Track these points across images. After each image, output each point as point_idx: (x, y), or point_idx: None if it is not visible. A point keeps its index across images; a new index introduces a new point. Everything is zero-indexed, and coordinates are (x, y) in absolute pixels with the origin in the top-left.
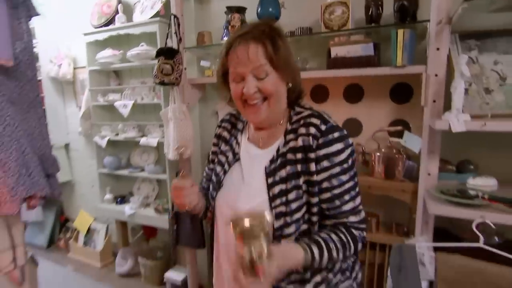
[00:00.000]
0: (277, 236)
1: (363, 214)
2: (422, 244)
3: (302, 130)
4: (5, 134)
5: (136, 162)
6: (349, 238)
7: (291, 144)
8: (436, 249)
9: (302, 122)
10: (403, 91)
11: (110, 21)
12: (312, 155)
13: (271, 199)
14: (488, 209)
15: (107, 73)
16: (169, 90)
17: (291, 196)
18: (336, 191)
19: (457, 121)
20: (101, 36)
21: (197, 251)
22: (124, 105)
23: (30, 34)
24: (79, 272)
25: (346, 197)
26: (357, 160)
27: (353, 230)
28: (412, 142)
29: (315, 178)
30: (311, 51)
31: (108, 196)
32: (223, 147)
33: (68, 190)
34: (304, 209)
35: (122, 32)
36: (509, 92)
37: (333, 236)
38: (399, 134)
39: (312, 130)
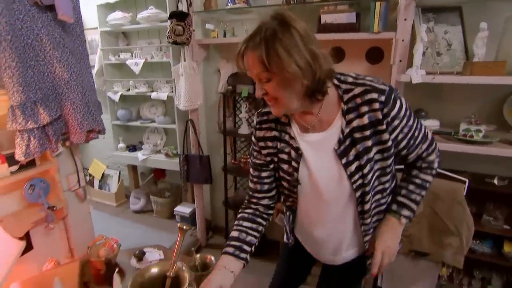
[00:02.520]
0: (359, 202)
1: (430, 134)
2: None
3: (365, 108)
4: (72, 79)
5: (146, 114)
6: (425, 176)
7: (355, 123)
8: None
9: (359, 100)
10: (376, 54)
11: None
12: (382, 127)
13: (350, 176)
14: None
15: (116, 34)
16: (177, 49)
17: (366, 170)
18: (409, 135)
19: (416, 74)
20: None
21: (204, 188)
22: (135, 63)
23: None
24: (98, 210)
25: (416, 133)
26: None
27: (428, 164)
28: None
29: (389, 142)
30: (303, 17)
31: (121, 145)
32: (279, 145)
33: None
34: (377, 174)
35: None
36: (452, 55)
37: (411, 187)
38: None
39: (375, 105)
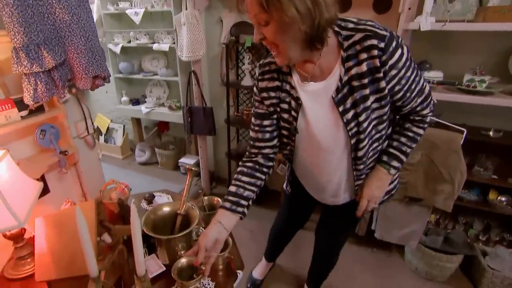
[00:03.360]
0: (354, 149)
1: (427, 88)
2: None
3: (364, 55)
4: (73, 22)
5: (147, 67)
6: (417, 129)
7: (354, 71)
8: None
9: (359, 47)
10: (383, 3)
11: None
12: (379, 75)
13: (346, 124)
14: (434, 91)
15: None
16: None
17: (362, 117)
18: (406, 87)
19: (425, 21)
20: None
21: (207, 140)
22: (135, 12)
23: None
24: (105, 162)
25: (413, 86)
26: None
27: (421, 118)
28: None
29: (386, 90)
30: None
31: (125, 98)
32: (280, 95)
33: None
34: (374, 123)
35: None
36: (465, 2)
37: (403, 139)
38: None
39: (374, 52)
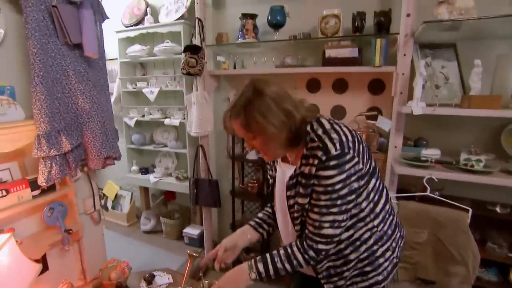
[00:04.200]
0: (298, 230)
1: (332, 231)
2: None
3: (311, 161)
4: (92, 109)
5: (158, 139)
6: (297, 253)
7: (303, 168)
8: (398, 199)
9: (312, 152)
10: (377, 85)
11: (140, 21)
12: (313, 181)
13: (289, 207)
14: (434, 169)
15: (134, 64)
16: (190, 79)
17: (294, 208)
18: (317, 203)
19: (417, 106)
20: (132, 34)
21: (212, 211)
22: (151, 91)
23: (102, 33)
24: (110, 229)
25: (323, 210)
26: None
27: (306, 243)
28: (383, 123)
29: (307, 199)
30: (309, 51)
31: (135, 167)
32: (275, 164)
33: None
34: (303, 218)
35: (150, 30)
36: (450, 88)
37: (281, 252)
38: (374, 118)
39: (315, 161)
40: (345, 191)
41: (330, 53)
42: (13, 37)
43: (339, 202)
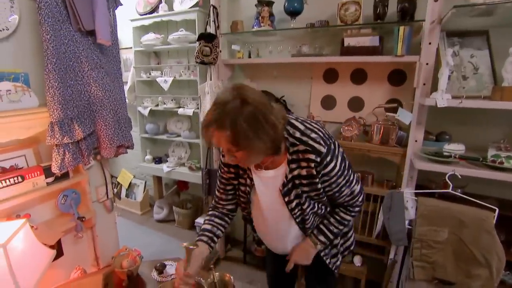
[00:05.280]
0: (299, 222)
1: (358, 187)
2: (408, 191)
3: (304, 164)
4: (105, 97)
5: (172, 129)
6: (344, 215)
7: (296, 172)
8: (417, 195)
9: (301, 156)
10: (398, 76)
11: (154, 9)
12: (315, 179)
13: (291, 211)
14: (457, 165)
15: (148, 53)
16: (204, 68)
17: (305, 205)
18: (336, 189)
19: (442, 99)
20: (146, 22)
21: None
22: (165, 80)
23: (115, 20)
24: (124, 217)
25: (343, 189)
26: (359, 131)
27: (349, 208)
28: (403, 116)
29: (321, 189)
30: (326, 40)
31: (148, 156)
32: (240, 172)
33: None
34: (316, 204)
35: (165, 18)
36: (479, 79)
37: (332, 220)
38: (394, 110)
39: (312, 164)
40: (346, 163)
41: (349, 41)
42: (27, 23)
43: (349, 171)
